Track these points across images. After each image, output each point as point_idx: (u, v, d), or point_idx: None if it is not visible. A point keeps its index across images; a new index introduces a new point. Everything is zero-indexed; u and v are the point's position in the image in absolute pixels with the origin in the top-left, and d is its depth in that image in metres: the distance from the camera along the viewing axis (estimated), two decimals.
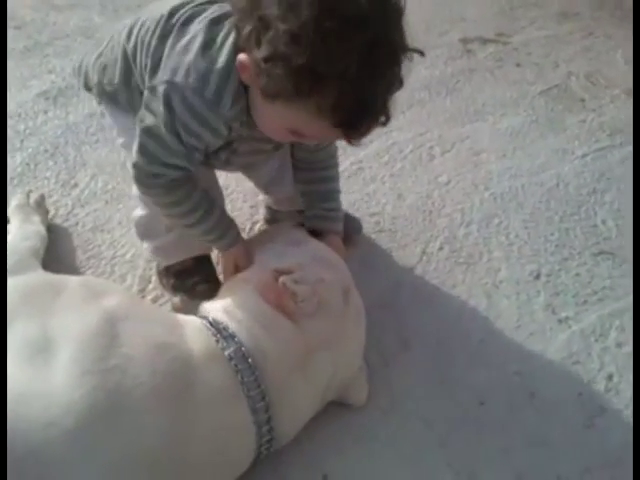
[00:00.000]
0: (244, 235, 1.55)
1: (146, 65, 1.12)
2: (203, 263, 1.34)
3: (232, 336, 0.99)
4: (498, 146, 1.90)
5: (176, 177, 1.10)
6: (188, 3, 1.11)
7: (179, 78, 1.03)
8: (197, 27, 1.06)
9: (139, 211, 1.30)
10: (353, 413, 1.15)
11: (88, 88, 1.29)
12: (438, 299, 1.42)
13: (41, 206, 1.54)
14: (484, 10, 2.59)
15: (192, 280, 1.32)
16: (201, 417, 0.91)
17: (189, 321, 1.05)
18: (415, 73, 2.15)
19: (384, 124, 1.01)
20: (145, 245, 1.35)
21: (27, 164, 1.74)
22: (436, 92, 2.14)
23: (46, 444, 0.80)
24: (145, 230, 1.32)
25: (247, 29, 0.96)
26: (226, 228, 1.22)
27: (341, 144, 1.80)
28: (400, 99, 1.99)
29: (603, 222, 1.64)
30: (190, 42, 1.05)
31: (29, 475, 0.79)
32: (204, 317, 1.05)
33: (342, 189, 1.67)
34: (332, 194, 1.36)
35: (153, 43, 1.10)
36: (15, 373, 0.86)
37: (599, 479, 1.09)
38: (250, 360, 0.97)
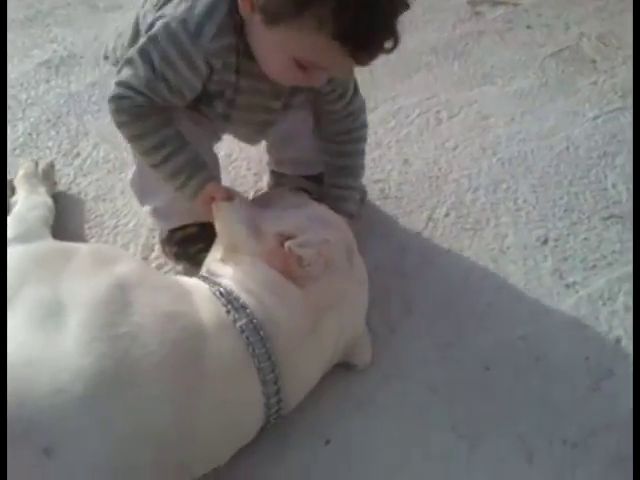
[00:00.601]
0: None
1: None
2: (207, 230, 1.32)
3: (244, 307, 0.97)
4: (507, 110, 1.86)
5: (140, 103, 1.07)
6: None
7: (169, 10, 1.04)
8: None
9: (132, 171, 1.29)
10: (356, 378, 1.14)
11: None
12: (444, 264, 1.40)
13: (49, 175, 1.53)
14: None
15: (195, 248, 1.30)
16: (210, 389, 0.90)
17: (198, 287, 1.03)
18: (422, 36, 2.16)
19: (391, 49, 0.99)
20: (145, 208, 1.33)
21: (29, 134, 1.73)
22: (444, 55, 2.09)
23: (54, 411, 0.79)
24: (141, 191, 1.31)
25: None
26: (196, 168, 1.14)
27: None
28: (406, 63, 2.02)
29: (613, 186, 1.61)
30: None
31: (36, 442, 0.78)
32: (213, 283, 1.03)
33: None
34: (353, 169, 1.33)
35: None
36: (26, 336, 0.85)
37: (605, 442, 1.08)
38: (262, 332, 0.95)
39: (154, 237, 1.43)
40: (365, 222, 1.47)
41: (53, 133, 1.73)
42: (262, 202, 1.28)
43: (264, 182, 1.56)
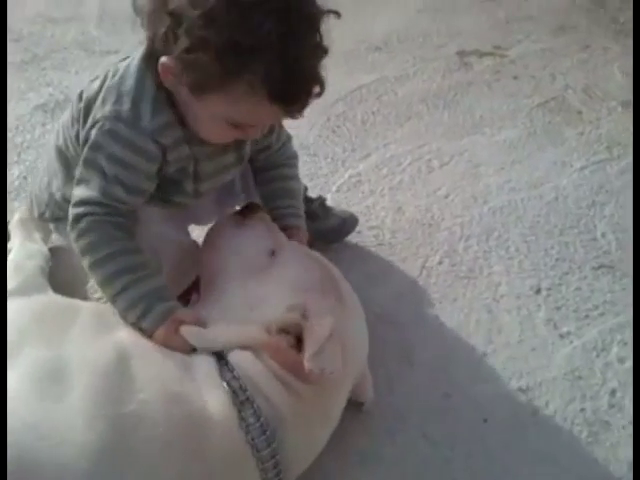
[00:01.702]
0: None
1: (75, 137, 1.11)
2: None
3: (250, 401, 0.92)
4: (496, 159, 1.90)
5: (101, 216, 1.03)
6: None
7: (98, 114, 1.03)
8: (105, 74, 1.08)
9: None
10: (360, 432, 1.14)
11: (42, 218, 1.29)
12: (440, 313, 1.42)
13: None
14: (481, 24, 2.60)
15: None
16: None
17: (200, 363, 0.98)
18: (413, 85, 2.21)
19: (319, 94, 1.00)
20: None
21: (24, 177, 1.73)
22: (434, 105, 2.14)
23: None
24: None
25: (161, 30, 0.95)
26: (158, 299, 1.03)
27: (338, 157, 1.84)
28: (398, 112, 2.06)
29: (603, 235, 1.64)
30: (101, 84, 1.06)
31: None
32: (220, 365, 0.97)
33: (341, 203, 1.69)
34: (291, 192, 1.31)
35: (75, 120, 1.11)
36: (28, 400, 0.84)
37: None
38: (268, 432, 0.92)
39: None
40: (361, 269, 1.49)
41: None
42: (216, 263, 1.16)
43: None
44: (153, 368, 0.94)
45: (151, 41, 1.00)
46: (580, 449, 1.16)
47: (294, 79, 0.94)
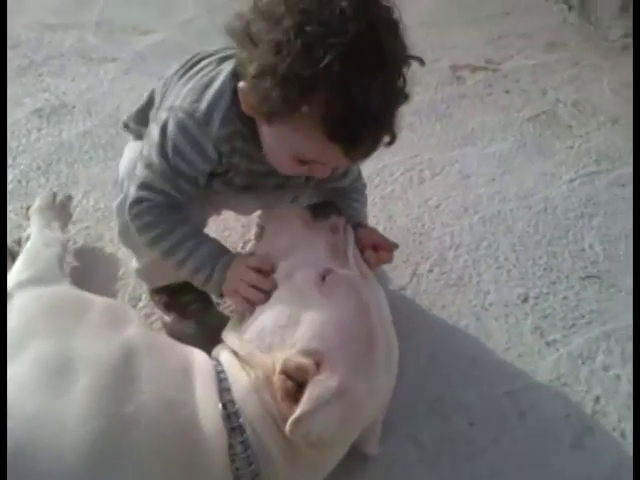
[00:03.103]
0: None
1: (160, 100, 1.16)
2: None
3: (241, 429, 0.90)
4: (487, 170, 1.93)
5: (159, 202, 1.08)
6: (208, 50, 1.16)
7: (178, 102, 1.06)
8: (205, 63, 1.11)
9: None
10: None
11: (125, 125, 1.32)
12: (429, 319, 1.43)
13: (65, 208, 1.53)
14: (474, 39, 2.64)
15: (185, 299, 1.32)
16: None
17: (201, 369, 0.97)
18: None
19: (389, 143, 0.98)
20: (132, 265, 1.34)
21: (19, 181, 1.74)
22: (426, 117, 2.17)
23: (49, 477, 0.80)
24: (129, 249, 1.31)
25: (244, 53, 0.97)
26: (217, 259, 1.09)
27: None
28: None
29: (590, 246, 1.66)
30: (195, 74, 1.10)
31: None
32: (219, 380, 0.95)
33: None
34: (358, 209, 1.29)
35: (171, 81, 1.15)
36: (32, 390, 0.85)
37: None
38: (253, 466, 0.89)
39: (141, 287, 1.44)
40: None
41: (43, 181, 1.75)
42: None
43: (252, 233, 1.59)
44: (155, 370, 0.94)
45: (237, 62, 1.02)
46: (565, 453, 1.17)
47: (356, 120, 0.90)
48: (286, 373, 0.88)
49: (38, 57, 2.33)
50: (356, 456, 1.09)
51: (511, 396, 1.27)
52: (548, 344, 1.39)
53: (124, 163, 1.22)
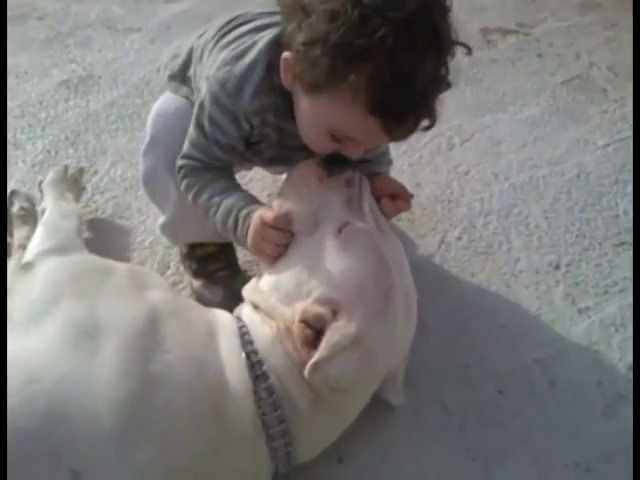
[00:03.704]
0: None
1: (197, 59, 1.17)
2: (226, 250, 1.35)
3: (265, 377, 0.93)
4: (518, 136, 1.89)
5: (197, 165, 1.11)
6: (247, 13, 1.16)
7: (212, 71, 1.07)
8: (242, 30, 1.10)
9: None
10: (372, 397, 1.14)
11: (158, 70, 1.33)
12: (458, 286, 1.42)
13: (78, 181, 1.54)
14: (505, 1, 2.57)
15: (214, 266, 1.33)
16: (222, 446, 0.90)
17: (224, 327, 1.00)
18: None
19: (427, 128, 0.97)
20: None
21: (48, 151, 1.76)
22: (456, 82, 2.10)
23: (88, 437, 0.80)
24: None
25: (292, 25, 0.96)
26: (245, 206, 1.07)
27: None
28: None
29: (625, 213, 1.62)
30: (231, 42, 1.09)
31: (67, 462, 0.79)
32: (242, 333, 0.98)
33: None
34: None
35: (209, 45, 1.14)
36: (61, 353, 0.86)
37: (619, 467, 1.08)
38: (279, 411, 0.92)
39: (170, 255, 1.45)
40: None
41: (71, 151, 1.76)
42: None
43: None
44: (180, 331, 0.95)
45: (281, 33, 1.01)
46: (596, 421, 1.15)
47: (399, 96, 0.90)
48: (305, 322, 0.91)
49: (64, 28, 2.33)
50: (383, 413, 1.09)
51: (541, 363, 1.25)
52: (580, 311, 1.36)
53: (154, 108, 1.22)
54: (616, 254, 1.50)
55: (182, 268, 1.40)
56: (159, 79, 1.92)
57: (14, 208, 1.42)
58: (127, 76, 2.08)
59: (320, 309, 0.91)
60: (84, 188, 1.59)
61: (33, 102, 1.93)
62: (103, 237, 1.49)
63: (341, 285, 0.95)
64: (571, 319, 1.35)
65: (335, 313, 0.92)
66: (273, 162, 1.22)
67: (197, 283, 1.33)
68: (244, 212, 1.06)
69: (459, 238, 1.55)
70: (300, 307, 0.92)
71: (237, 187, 1.13)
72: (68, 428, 0.80)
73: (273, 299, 0.98)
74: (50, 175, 1.47)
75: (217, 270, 1.31)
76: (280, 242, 1.03)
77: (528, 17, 2.47)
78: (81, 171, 1.58)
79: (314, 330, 0.91)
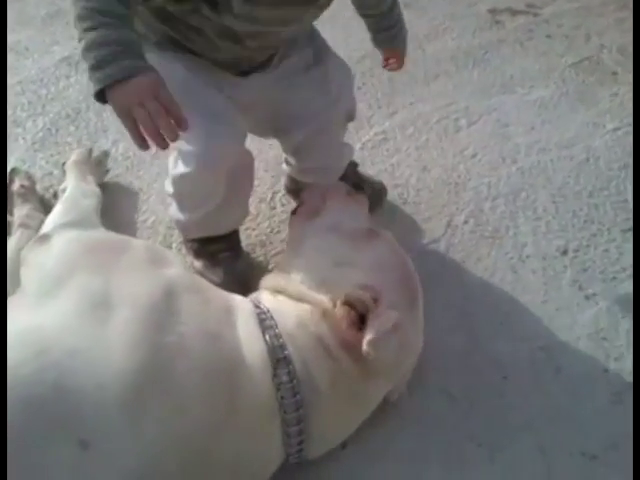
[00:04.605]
0: (265, 205, 1.54)
1: None
2: (229, 232, 1.33)
3: (287, 360, 0.92)
4: (526, 119, 1.85)
5: None
6: None
7: None
8: None
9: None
10: None
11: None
12: (463, 271, 1.40)
13: (102, 164, 1.55)
14: None
15: (216, 247, 1.31)
16: (235, 425, 0.88)
17: (242, 308, 0.99)
18: (442, 44, 2.16)
19: None
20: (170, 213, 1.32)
21: (48, 129, 1.73)
22: (463, 63, 2.09)
23: (95, 406, 0.80)
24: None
25: None
26: (131, 52, 0.86)
27: (363, 114, 1.80)
28: (426, 70, 2.02)
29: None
30: None
31: (74, 432, 0.78)
32: (260, 314, 0.98)
33: (366, 160, 1.67)
34: (391, 12, 1.31)
35: None
36: (73, 323, 0.86)
37: (625, 455, 1.06)
38: (298, 396, 0.91)
39: (172, 235, 1.44)
40: (383, 227, 1.46)
41: (72, 129, 1.74)
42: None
43: (282, 183, 1.56)
44: (196, 306, 0.94)
45: None
46: (602, 409, 1.14)
47: None
48: (349, 304, 0.95)
49: (66, 4, 2.26)
50: (387, 399, 1.08)
51: (547, 350, 1.23)
52: (587, 297, 1.35)
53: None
54: (624, 240, 1.48)
55: (184, 249, 1.38)
56: None
57: (14, 186, 1.40)
58: None
59: (364, 294, 0.96)
60: (108, 171, 1.57)
61: (33, 79, 1.90)
62: (105, 216, 1.47)
63: (378, 275, 1.02)
64: (578, 305, 1.33)
65: (375, 300, 0.96)
66: (268, 7, 1.02)
67: (198, 263, 1.32)
68: (133, 59, 0.86)
69: (465, 222, 1.53)
70: (342, 291, 0.97)
71: (130, 21, 0.89)
72: (77, 399, 0.79)
73: (303, 286, 1.02)
74: (73, 156, 1.48)
75: (219, 251, 1.29)
76: (160, 124, 0.83)
77: None
78: (105, 154, 1.58)
79: (358, 312, 0.95)
